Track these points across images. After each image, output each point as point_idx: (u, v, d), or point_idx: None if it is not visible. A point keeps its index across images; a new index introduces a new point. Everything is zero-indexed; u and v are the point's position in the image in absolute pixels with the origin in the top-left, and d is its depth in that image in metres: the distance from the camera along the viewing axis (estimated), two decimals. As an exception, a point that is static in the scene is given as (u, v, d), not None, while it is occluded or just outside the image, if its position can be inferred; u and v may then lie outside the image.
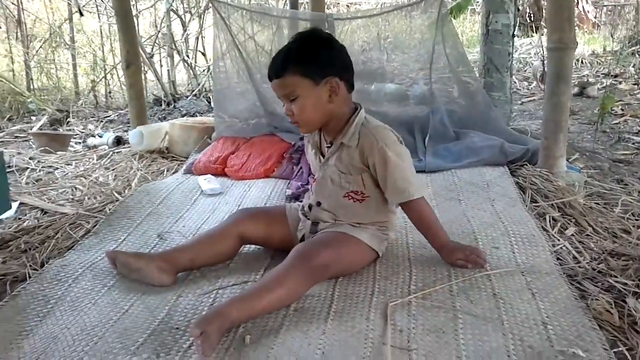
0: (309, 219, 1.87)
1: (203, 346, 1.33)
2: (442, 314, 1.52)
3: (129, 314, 1.58)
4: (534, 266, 1.78)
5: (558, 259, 1.86)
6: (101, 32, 6.06)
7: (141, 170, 3.16)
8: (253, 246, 1.98)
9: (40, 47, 6.13)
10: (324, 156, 1.83)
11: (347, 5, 9.33)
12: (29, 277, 1.85)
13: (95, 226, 2.25)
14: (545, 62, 4.90)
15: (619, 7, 9.47)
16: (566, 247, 1.95)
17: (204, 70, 6.25)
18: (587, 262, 1.84)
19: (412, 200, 1.72)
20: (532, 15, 8.94)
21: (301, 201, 2.03)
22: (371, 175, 1.75)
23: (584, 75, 5.89)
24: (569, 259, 1.87)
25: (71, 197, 2.75)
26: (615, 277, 1.71)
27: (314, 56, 1.67)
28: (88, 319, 1.55)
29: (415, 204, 1.73)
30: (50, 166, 3.40)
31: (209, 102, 5.32)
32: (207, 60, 6.28)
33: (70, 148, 3.99)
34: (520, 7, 8.17)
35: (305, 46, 1.69)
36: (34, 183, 3.04)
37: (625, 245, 1.96)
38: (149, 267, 1.74)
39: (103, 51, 6.08)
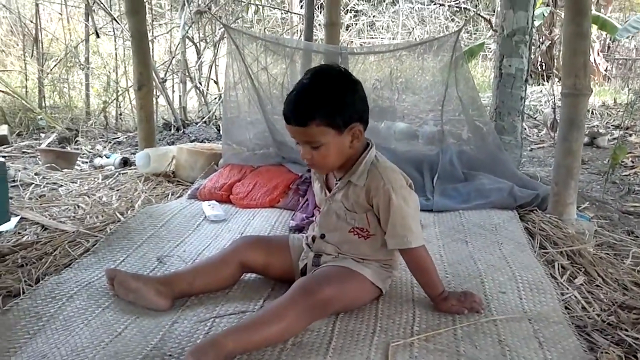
0: (312, 250, 1.82)
1: (196, 376, 1.28)
2: (446, 358, 1.46)
3: (122, 337, 1.53)
4: (542, 314, 1.73)
5: (567, 308, 1.81)
6: (116, 55, 6.10)
7: (145, 192, 3.13)
8: (254, 275, 1.93)
9: (55, 65, 6.18)
10: (330, 190, 1.80)
11: (361, 45, 9.42)
12: (23, 292, 1.81)
13: (94, 245, 2.21)
14: (557, 109, 4.91)
15: (631, 61, 9.55)
16: (575, 297, 1.90)
17: (215, 98, 6.28)
18: (597, 314, 1.78)
19: (410, 248, 1.67)
20: (543, 63, 9.01)
21: (305, 233, 1.99)
22: (375, 215, 1.71)
23: (594, 126, 5.89)
24: (577, 309, 1.82)
25: (73, 215, 2.72)
26: (626, 330, 1.65)
27: (341, 104, 1.59)
28: (79, 340, 1.51)
29: (413, 253, 1.68)
30: (54, 183, 3.38)
31: (219, 130, 5.32)
32: (219, 89, 6.32)
33: (76, 167, 3.97)
34: (533, 56, 8.23)
35: (330, 92, 1.60)
36: (37, 199, 3.01)
37: (636, 298, 1.91)
38: (146, 289, 1.70)
39: (117, 73, 6.12)
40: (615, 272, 2.14)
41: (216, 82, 6.42)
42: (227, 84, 3.53)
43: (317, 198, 1.91)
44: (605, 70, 9.31)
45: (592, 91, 2.59)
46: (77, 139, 4.88)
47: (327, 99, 1.58)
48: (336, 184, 1.76)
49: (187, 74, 6.06)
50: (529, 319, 1.69)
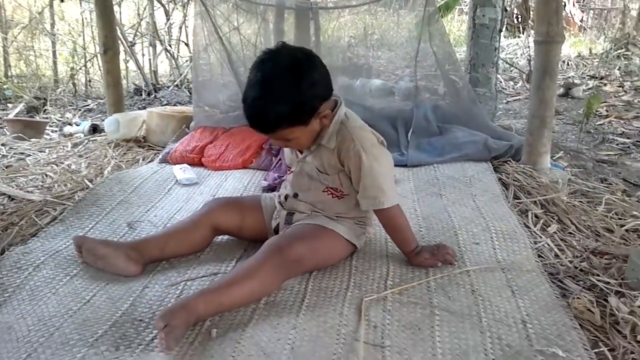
0: (284, 208, 1.80)
1: (166, 339, 1.26)
2: (419, 310, 1.46)
3: (91, 304, 1.50)
4: (515, 263, 1.73)
5: (540, 256, 1.82)
6: (82, 20, 5.91)
7: (115, 158, 3.06)
8: (226, 237, 1.91)
9: (20, 33, 5.98)
10: (301, 152, 1.76)
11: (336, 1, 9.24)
12: (-13, 264, 1.76)
13: (62, 214, 2.16)
14: (532, 61, 4.88)
15: (606, 11, 9.52)
16: (548, 245, 1.91)
17: (186, 61, 6.14)
18: (569, 260, 1.79)
19: (383, 209, 1.65)
20: (519, 15, 8.94)
21: (278, 192, 1.96)
22: (347, 175, 1.68)
23: (569, 77, 5.89)
24: (550, 257, 1.83)
25: (41, 184, 2.65)
26: (598, 275, 1.67)
27: (300, 103, 1.52)
28: (46, 309, 1.47)
29: (386, 212, 1.66)
30: (22, 153, 3.29)
31: (191, 93, 5.21)
32: (190, 51, 6.17)
33: (45, 136, 3.87)
34: (508, 8, 8.14)
35: (286, 92, 1.50)
36: (3, 169, 2.93)
37: (608, 244, 1.92)
38: (116, 255, 1.66)
39: (84, 39, 5.94)
40: (588, 219, 2.15)
41: (187, 45, 6.26)
42: (197, 47, 3.44)
43: (288, 159, 1.87)
44: (581, 20, 9.27)
45: (565, 38, 2.57)
46: (45, 107, 4.75)
47: (285, 102, 1.50)
48: None
49: (156, 36, 5.90)
50: (502, 268, 1.69)
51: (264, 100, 1.51)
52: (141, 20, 5.94)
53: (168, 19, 6.12)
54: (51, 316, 1.43)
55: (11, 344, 1.32)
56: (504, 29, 4.31)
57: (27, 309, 1.48)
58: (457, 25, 9.25)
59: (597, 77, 5.82)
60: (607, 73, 5.97)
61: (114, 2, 4.26)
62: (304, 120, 1.56)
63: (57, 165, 2.96)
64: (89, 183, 2.56)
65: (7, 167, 2.98)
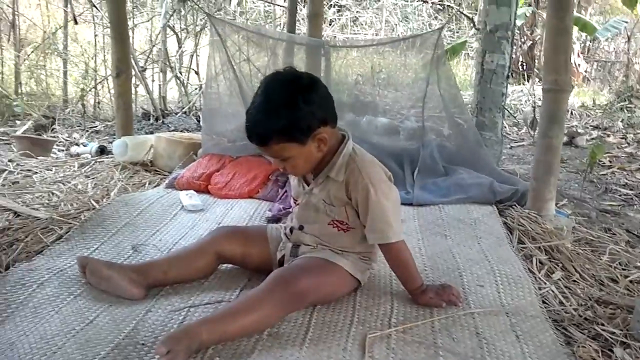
0: (290, 241, 1.80)
1: (169, 365, 1.26)
2: (423, 350, 1.45)
3: (94, 325, 1.49)
4: (519, 308, 1.73)
5: (544, 302, 1.81)
6: (95, 43, 5.99)
7: (122, 181, 3.07)
8: (230, 266, 1.91)
9: (32, 52, 6.05)
10: (308, 184, 1.77)
11: (344, 40, 9.39)
12: (-8, 279, 1.76)
13: (67, 232, 2.16)
14: (537, 108, 4.94)
15: (609, 64, 9.67)
16: (552, 291, 1.90)
17: (195, 89, 6.20)
18: (574, 308, 1.79)
19: (389, 243, 1.66)
20: (525, 63, 9.07)
21: (282, 223, 1.97)
22: (354, 209, 1.69)
23: (573, 126, 5.95)
24: (555, 304, 1.82)
25: (47, 202, 2.66)
26: (603, 325, 1.66)
27: (296, 118, 1.52)
28: (49, 327, 1.47)
29: (393, 247, 1.67)
30: (29, 170, 3.30)
31: (198, 121, 5.25)
32: (199, 79, 6.24)
33: (52, 155, 3.89)
34: (514, 55, 8.28)
35: (283, 106, 1.52)
36: (10, 185, 2.94)
37: (612, 293, 1.92)
38: (119, 277, 1.66)
39: (95, 61, 6.02)
40: (593, 268, 2.15)
41: (197, 73, 6.33)
42: (209, 75, 3.48)
43: (294, 191, 1.88)
44: (585, 71, 9.41)
45: (572, 88, 2.60)
46: (53, 126, 4.77)
47: (280, 115, 1.52)
48: (313, 179, 1.74)
49: (167, 63, 5.98)
50: (506, 312, 1.69)
51: (261, 113, 1.54)
52: (153, 46, 6.02)
53: (180, 47, 6.19)
54: (54, 335, 1.43)
55: (13, 361, 1.31)
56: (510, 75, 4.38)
57: (29, 327, 1.47)
58: (462, 70, 9.37)
59: (600, 128, 5.88)
60: (610, 124, 6.03)
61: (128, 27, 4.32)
62: (298, 137, 1.55)
63: (63, 184, 2.98)
64: (95, 204, 2.57)
65: (13, 183, 2.99)
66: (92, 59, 6.03)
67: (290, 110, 1.52)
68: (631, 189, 3.69)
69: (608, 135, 5.59)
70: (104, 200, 2.66)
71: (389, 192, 1.67)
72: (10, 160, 3.45)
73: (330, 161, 1.67)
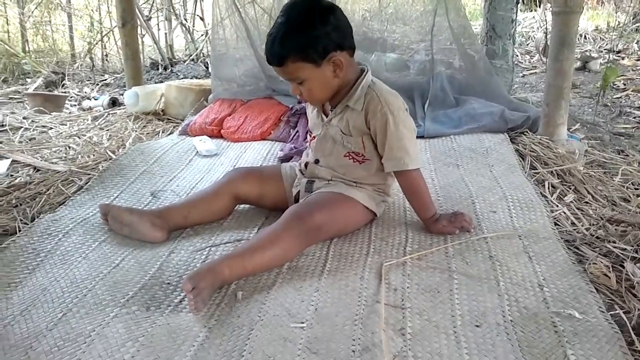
0: (305, 176, 1.83)
1: (195, 301, 1.32)
2: (438, 274, 1.50)
3: (120, 268, 1.55)
4: (532, 230, 1.76)
5: (556, 224, 1.84)
6: (98, -6, 5.94)
7: (136, 131, 3.11)
8: (247, 206, 1.95)
9: (36, 8, 6.01)
10: (326, 115, 1.79)
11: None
12: (19, 230, 1.83)
13: (87, 183, 2.22)
14: (548, 35, 4.83)
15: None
16: (564, 213, 1.93)
17: (201, 35, 6.15)
18: (586, 228, 1.82)
19: (406, 170, 1.69)
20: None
21: (294, 161, 2.00)
22: (371, 139, 1.72)
23: (586, 50, 5.82)
24: (567, 225, 1.85)
25: (64, 155, 2.71)
26: (614, 242, 1.69)
27: (312, 38, 1.56)
28: (78, 272, 1.53)
29: (409, 175, 1.70)
30: (44, 126, 3.35)
31: (207, 67, 5.23)
32: (205, 25, 6.17)
33: (65, 110, 3.93)
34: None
35: (300, 26, 1.57)
36: (27, 142, 2.99)
37: (624, 212, 1.94)
38: (141, 222, 1.71)
39: (100, 13, 5.97)
40: (605, 189, 2.17)
41: (202, 19, 6.26)
42: (214, 20, 3.45)
43: (312, 123, 1.89)
44: (599, -8, 9.11)
45: (582, 9, 2.55)
46: (63, 82, 4.80)
47: (298, 34, 1.56)
48: (332, 110, 1.76)
49: (172, 10, 5.91)
50: (519, 235, 1.72)
51: (278, 32, 1.58)
52: (156, -7, 5.95)
53: (183, -7, 6.12)
54: (83, 279, 1.49)
55: (47, 305, 1.38)
56: (520, 1, 4.28)
57: (59, 273, 1.54)
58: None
59: (614, 51, 5.75)
60: (624, 47, 5.89)
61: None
62: (312, 57, 1.58)
63: (79, 137, 3.02)
64: (111, 154, 2.62)
65: (30, 139, 3.04)
66: (97, 11, 5.98)
67: (307, 30, 1.56)
68: (646, 111, 3.65)
69: (622, 58, 5.46)
70: (120, 150, 2.71)
71: (407, 120, 1.70)
72: (24, 118, 3.49)
73: (349, 92, 1.69)
